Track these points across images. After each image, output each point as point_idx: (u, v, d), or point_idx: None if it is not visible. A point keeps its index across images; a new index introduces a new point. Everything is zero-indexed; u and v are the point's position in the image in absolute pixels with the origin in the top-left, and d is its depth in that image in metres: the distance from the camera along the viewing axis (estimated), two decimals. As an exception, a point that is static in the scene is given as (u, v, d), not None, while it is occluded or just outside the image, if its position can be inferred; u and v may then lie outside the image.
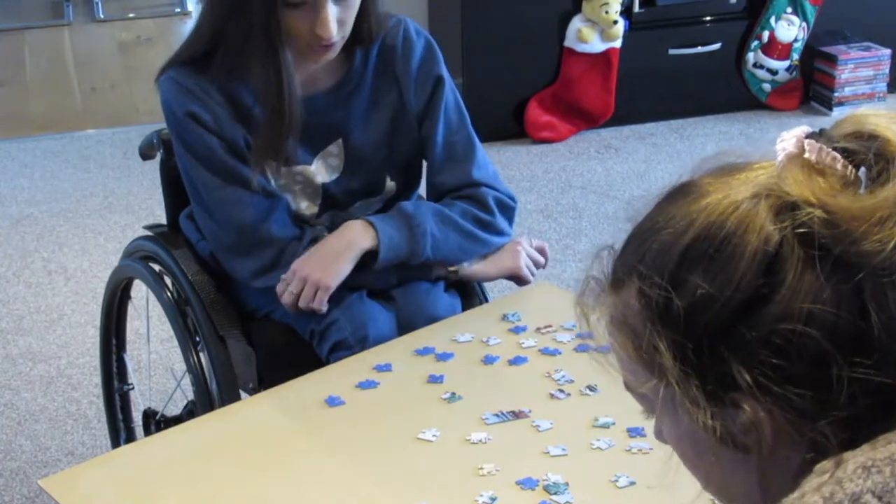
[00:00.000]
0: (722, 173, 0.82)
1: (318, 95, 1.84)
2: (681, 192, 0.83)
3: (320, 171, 1.86)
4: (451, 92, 1.90)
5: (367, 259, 1.80)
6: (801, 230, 0.75)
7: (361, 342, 1.77)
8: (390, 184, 1.92)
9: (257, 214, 1.80)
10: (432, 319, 1.82)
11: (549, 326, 1.77)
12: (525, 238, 1.93)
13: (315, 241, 1.83)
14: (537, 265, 1.92)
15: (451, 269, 1.89)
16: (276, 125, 1.76)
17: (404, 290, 1.87)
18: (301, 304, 1.77)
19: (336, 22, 1.70)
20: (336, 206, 1.90)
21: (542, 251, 1.93)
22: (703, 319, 0.77)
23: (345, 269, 1.78)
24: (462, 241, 1.85)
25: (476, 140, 1.92)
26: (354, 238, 1.79)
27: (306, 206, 1.88)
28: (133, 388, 2.37)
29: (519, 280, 1.90)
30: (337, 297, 1.82)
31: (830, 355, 0.74)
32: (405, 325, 1.82)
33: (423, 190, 2.00)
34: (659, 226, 0.81)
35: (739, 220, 0.77)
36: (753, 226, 0.76)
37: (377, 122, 1.88)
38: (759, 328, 0.75)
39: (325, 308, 1.78)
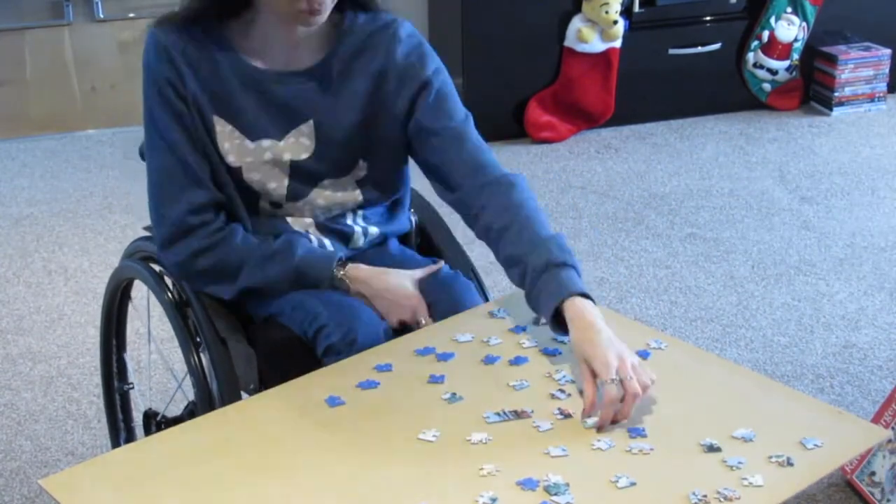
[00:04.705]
0: None
1: (295, 73, 1.84)
2: None
3: (290, 148, 1.86)
4: (441, 87, 1.89)
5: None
6: None
7: (349, 346, 1.77)
8: (362, 164, 1.92)
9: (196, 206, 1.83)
10: (459, 307, 1.85)
11: (550, 326, 1.77)
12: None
13: (299, 248, 1.86)
14: None
15: None
16: None
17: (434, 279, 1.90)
18: None
19: None
20: (305, 182, 1.90)
21: None
22: None
23: None
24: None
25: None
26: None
27: (275, 188, 1.88)
28: (133, 388, 2.37)
29: None
30: (327, 301, 1.82)
31: None
32: (441, 313, 1.84)
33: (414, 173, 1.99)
34: None
35: None
36: None
37: (351, 109, 1.87)
38: None
39: None
